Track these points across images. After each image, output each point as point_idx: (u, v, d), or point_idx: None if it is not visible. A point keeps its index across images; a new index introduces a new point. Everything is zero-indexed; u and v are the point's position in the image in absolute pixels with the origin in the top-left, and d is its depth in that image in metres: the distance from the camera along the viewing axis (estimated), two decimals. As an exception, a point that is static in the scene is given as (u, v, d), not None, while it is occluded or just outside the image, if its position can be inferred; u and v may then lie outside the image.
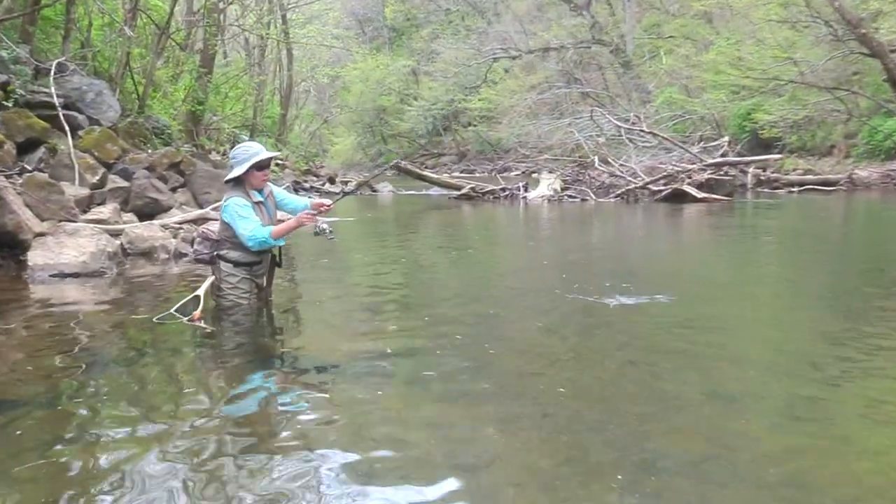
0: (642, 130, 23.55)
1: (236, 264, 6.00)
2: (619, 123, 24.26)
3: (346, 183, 29.46)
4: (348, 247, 11.65)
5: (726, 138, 25.69)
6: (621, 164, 22.06)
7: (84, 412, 3.84)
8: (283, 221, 6.52)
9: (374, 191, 27.62)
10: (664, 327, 5.75)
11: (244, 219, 5.80)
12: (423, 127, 59.38)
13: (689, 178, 19.71)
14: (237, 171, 5.88)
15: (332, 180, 29.89)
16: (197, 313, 5.74)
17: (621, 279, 8.12)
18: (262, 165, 5.94)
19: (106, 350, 5.07)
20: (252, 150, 5.94)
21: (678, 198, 18.98)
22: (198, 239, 6.15)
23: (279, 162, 28.13)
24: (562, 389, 4.15)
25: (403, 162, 29.74)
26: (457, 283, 8.01)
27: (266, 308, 6.18)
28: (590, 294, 6.97)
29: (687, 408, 3.90)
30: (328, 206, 6.21)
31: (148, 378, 4.46)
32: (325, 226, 6.20)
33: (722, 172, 20.60)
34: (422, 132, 61.12)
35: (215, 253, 5.99)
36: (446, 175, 34.29)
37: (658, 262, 9.78)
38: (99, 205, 10.98)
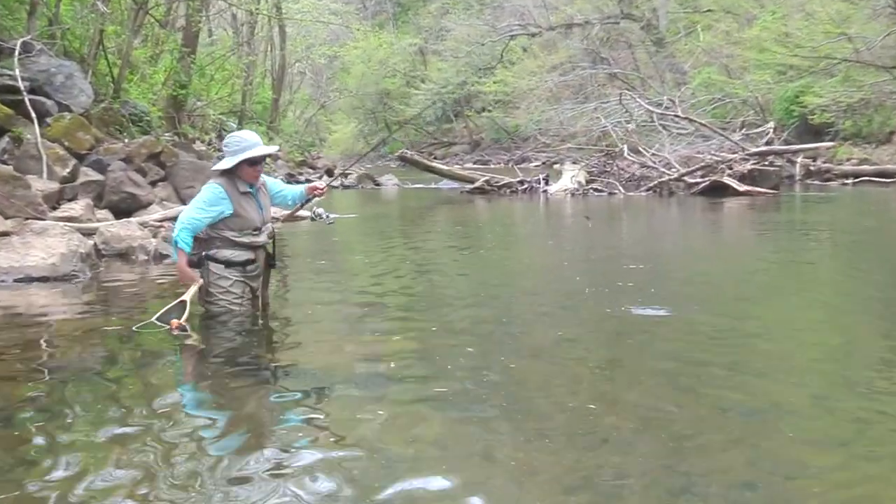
0: (677, 116, 23.51)
1: (228, 264, 5.94)
2: (650, 108, 24.22)
3: (346, 175, 29.52)
4: (348, 246, 11.67)
5: (771, 124, 25.63)
6: (653, 154, 22.02)
7: (46, 433, 3.82)
8: (275, 217, 6.55)
9: (378, 184, 27.67)
10: (700, 337, 5.73)
11: (194, 205, 5.80)
12: (432, 113, 59.37)
13: (730, 168, 19.67)
14: (225, 164, 5.86)
15: (329, 172, 30.02)
16: (176, 321, 5.71)
17: (651, 283, 8.10)
18: (255, 161, 5.92)
19: (77, 363, 5.08)
20: (246, 143, 5.89)
21: (717, 191, 18.92)
22: None
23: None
24: (592, 406, 4.14)
25: (410, 152, 29.81)
26: (468, 288, 8.00)
27: (261, 315, 6.17)
28: (618, 300, 6.96)
29: (725, 427, 3.89)
30: (322, 189, 6.38)
31: (122, 395, 4.46)
32: (320, 210, 6.23)
33: (766, 163, 20.56)
34: (430, 119, 61.15)
35: (203, 253, 5.91)
36: (457, 166, 34.34)
37: (694, 264, 9.75)
38: (70, 200, 11.02)
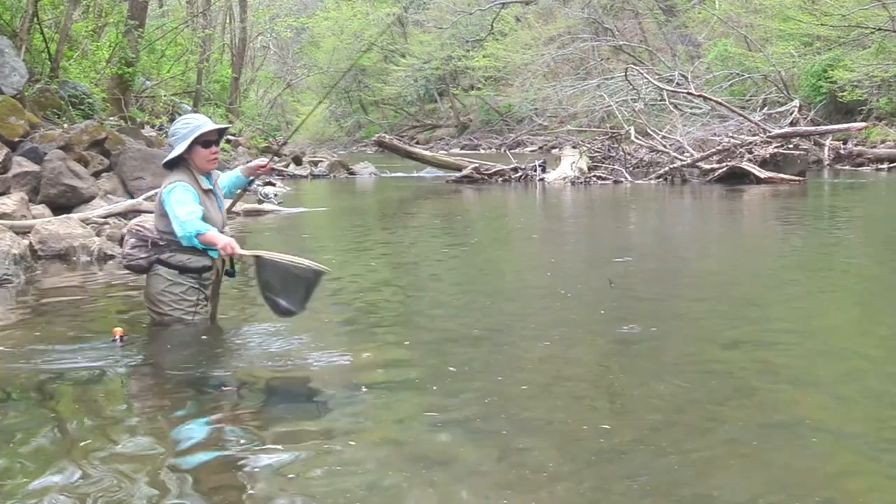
0: (690, 94, 23.57)
1: (183, 270, 5.93)
2: (660, 85, 24.27)
3: (315, 164, 29.47)
4: (317, 244, 11.66)
5: (796, 103, 25.69)
6: (664, 137, 22.09)
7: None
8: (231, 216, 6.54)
9: (352, 173, 27.67)
10: (714, 342, 5.76)
11: (181, 204, 5.72)
12: (413, 92, 59.51)
13: (750, 153, 19.72)
14: (178, 150, 5.84)
15: (297, 160, 29.92)
16: (120, 330, 5.72)
17: (663, 281, 8.13)
18: (208, 140, 5.90)
19: (10, 380, 5.06)
20: (194, 123, 5.90)
21: (736, 178, 19.00)
22: (130, 239, 5.99)
23: (230, 137, 28.14)
24: (606, 426, 4.15)
25: (388, 136, 29.78)
26: (453, 292, 7.99)
27: (212, 326, 6.15)
28: (624, 301, 6.98)
29: (746, 442, 3.90)
30: (265, 165, 6.41)
31: (63, 415, 4.45)
32: (267, 189, 6.22)
33: (791, 146, 20.62)
34: (411, 98, 61.28)
35: (155, 257, 5.89)
36: (442, 152, 34.33)
37: (709, 260, 9.78)
38: (1, 195, 10.98)
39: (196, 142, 5.82)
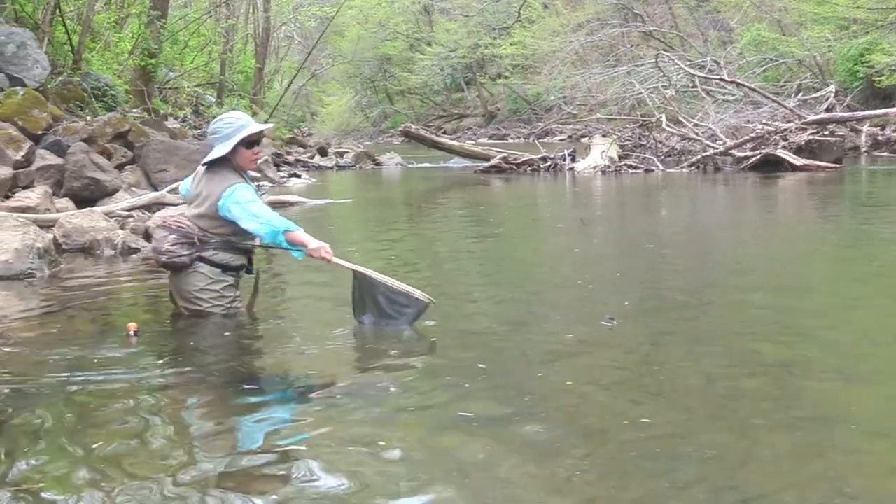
0: (722, 80, 23.38)
1: (225, 269, 6.07)
2: (692, 71, 24.11)
3: (341, 155, 29.46)
4: (341, 237, 11.65)
5: (832, 88, 25.43)
6: (696, 124, 21.95)
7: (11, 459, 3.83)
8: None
9: (378, 164, 27.65)
10: (753, 334, 5.69)
11: (255, 202, 5.86)
12: (440, 81, 59.41)
13: (785, 140, 19.58)
14: (222, 150, 5.91)
15: (323, 152, 29.92)
16: (134, 325, 5.76)
17: (697, 272, 8.08)
18: (252, 141, 5.98)
19: (37, 377, 5.07)
20: (238, 123, 5.96)
21: (771, 165, 18.87)
22: (170, 235, 5.98)
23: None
24: (647, 420, 4.11)
25: (414, 126, 29.78)
26: (482, 284, 7.97)
27: (245, 322, 6.21)
28: (655, 292, 6.94)
29: (792, 440, 3.85)
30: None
31: (92, 414, 4.45)
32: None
33: (827, 132, 20.44)
34: (438, 88, 61.17)
35: (197, 255, 5.96)
36: (470, 142, 34.33)
37: (743, 249, 9.69)
38: (25, 188, 11.05)
39: (240, 142, 5.87)
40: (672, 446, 3.78)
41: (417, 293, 5.82)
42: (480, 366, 4.95)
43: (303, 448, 3.85)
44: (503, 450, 3.76)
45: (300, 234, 5.81)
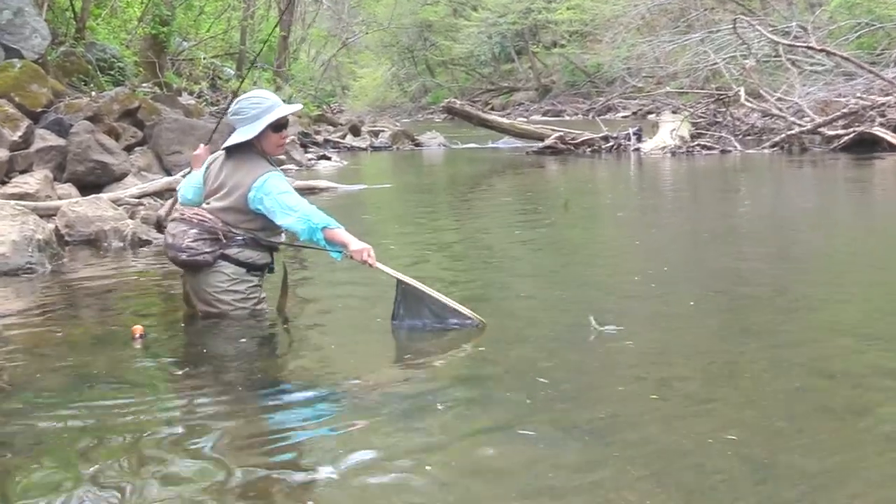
0: (810, 47, 23.15)
1: (251, 268, 6.09)
2: (775, 38, 23.89)
3: (376, 134, 29.48)
4: (377, 228, 11.65)
5: (938, 56, 25.15)
6: (779, 99, 21.75)
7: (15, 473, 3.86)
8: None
9: (418, 144, 27.66)
10: (841, 338, 5.65)
11: (291, 193, 5.87)
12: (487, 50, 59.24)
13: (882, 116, 19.34)
14: (248, 133, 5.91)
15: (356, 131, 29.94)
16: (140, 328, 5.81)
17: (778, 268, 8.00)
18: (280, 124, 6.01)
19: (34, 385, 5.10)
20: (266, 103, 5.96)
21: (866, 146, 18.63)
22: (191, 230, 5.97)
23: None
24: (732, 436, 4.07)
25: (459, 101, 29.75)
26: (536, 284, 7.92)
27: (275, 325, 6.26)
28: (729, 292, 6.89)
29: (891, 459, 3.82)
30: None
31: (96, 427, 4.47)
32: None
33: (932, 107, 20.19)
34: (485, 58, 60.98)
35: (220, 252, 5.97)
36: (521, 119, 34.25)
37: (832, 243, 9.59)
38: (22, 172, 11.13)
39: (269, 125, 5.90)
40: (761, 467, 3.73)
41: (468, 312, 5.81)
42: (541, 379, 4.87)
43: (334, 476, 3.82)
44: (571, 475, 3.74)
45: (341, 233, 5.78)
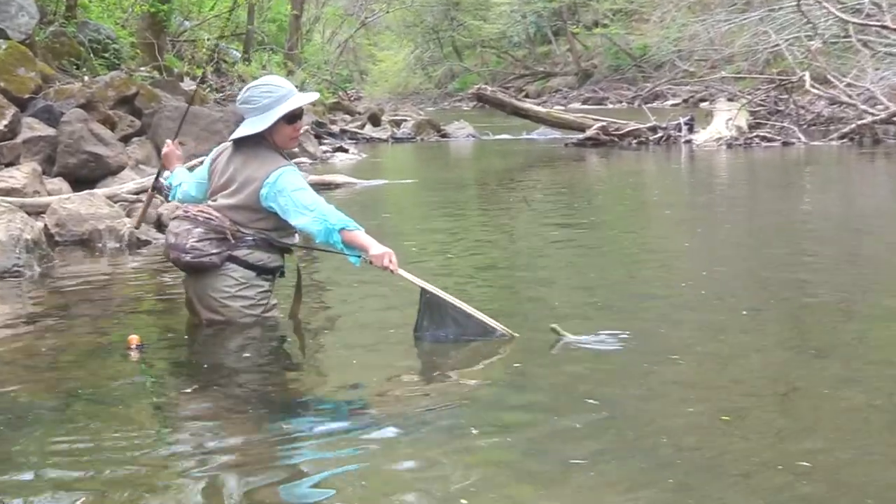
0: (885, 27, 23.03)
1: (261, 271, 6.08)
2: (845, 17, 23.77)
3: (398, 124, 29.50)
4: (398, 227, 11.66)
5: None
6: (849, 85, 21.65)
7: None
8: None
9: (445, 135, 27.65)
10: None
11: (307, 190, 5.88)
12: (521, 31, 59.26)
13: (966, 104, 19.28)
14: (261, 124, 5.92)
15: (375, 120, 29.97)
16: (136, 339, 5.81)
17: (849, 271, 7.99)
18: (294, 115, 6.01)
19: (22, 397, 5.13)
20: (279, 92, 5.95)
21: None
22: (195, 229, 5.96)
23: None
24: (805, 463, 4.06)
25: (490, 88, 29.75)
26: (576, 291, 7.91)
27: (291, 331, 6.29)
28: (789, 302, 6.88)
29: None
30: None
31: (88, 443, 4.49)
32: (162, 179, 6.44)
33: None
34: (518, 40, 60.98)
35: (227, 254, 5.97)
36: (559, 107, 34.21)
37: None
38: (8, 165, 11.18)
39: (282, 117, 5.91)
40: (837, 497, 3.73)
41: (495, 324, 5.81)
42: (590, 401, 4.81)
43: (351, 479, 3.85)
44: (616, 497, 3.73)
45: (361, 235, 5.77)
